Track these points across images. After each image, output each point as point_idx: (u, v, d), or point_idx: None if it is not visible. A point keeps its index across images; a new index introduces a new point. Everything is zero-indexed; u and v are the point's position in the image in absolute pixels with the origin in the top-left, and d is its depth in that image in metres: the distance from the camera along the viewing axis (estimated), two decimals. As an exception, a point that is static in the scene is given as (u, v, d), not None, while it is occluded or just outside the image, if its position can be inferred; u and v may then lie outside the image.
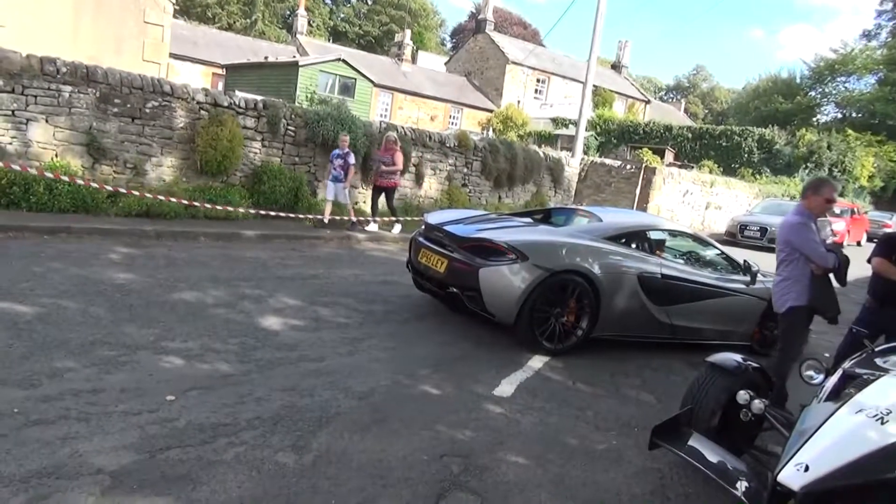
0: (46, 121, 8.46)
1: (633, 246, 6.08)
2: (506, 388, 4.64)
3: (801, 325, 4.80)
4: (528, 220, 6.79)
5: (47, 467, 2.80)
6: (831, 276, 4.68)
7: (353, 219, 10.86)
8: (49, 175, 7.84)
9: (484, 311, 5.46)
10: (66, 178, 7.91)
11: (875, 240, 7.40)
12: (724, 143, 30.11)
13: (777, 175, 27.61)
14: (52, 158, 8.47)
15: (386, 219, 11.41)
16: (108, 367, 3.92)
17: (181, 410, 3.50)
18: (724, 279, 6.47)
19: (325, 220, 10.54)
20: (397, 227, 11.31)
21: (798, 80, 48.26)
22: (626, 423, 4.35)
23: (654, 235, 6.42)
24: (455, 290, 5.57)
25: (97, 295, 5.31)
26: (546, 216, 7.26)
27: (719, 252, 6.86)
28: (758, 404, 3.48)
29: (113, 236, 7.66)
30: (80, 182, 8.07)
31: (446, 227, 5.95)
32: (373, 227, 11.15)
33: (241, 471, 3.01)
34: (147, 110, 9.30)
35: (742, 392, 3.54)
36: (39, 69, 8.33)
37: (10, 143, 8.17)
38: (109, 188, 8.43)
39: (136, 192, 8.38)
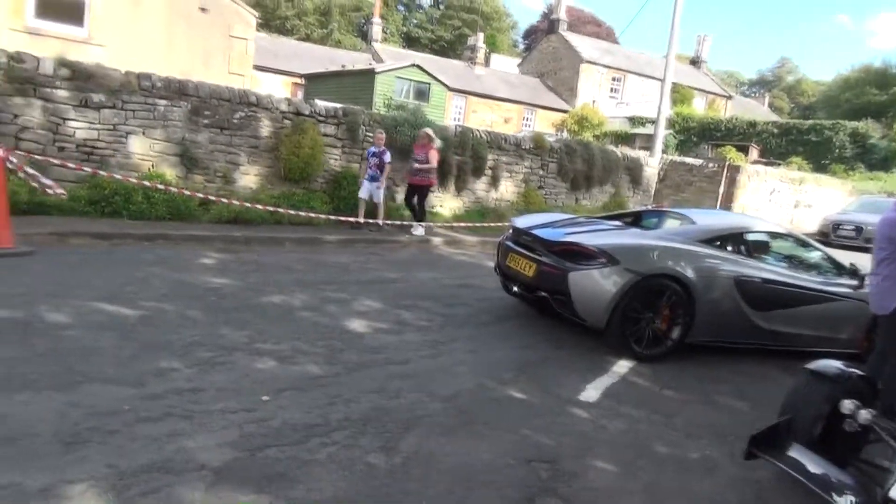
0: (144, 133, 8.96)
1: (729, 248, 5.90)
2: (591, 392, 4.58)
3: None
4: (618, 223, 6.69)
5: (156, 462, 2.96)
6: None
7: (381, 222, 10.27)
8: (147, 184, 8.29)
9: (574, 315, 5.42)
10: (161, 187, 8.35)
11: None
12: (813, 139, 28.73)
13: (872, 171, 26.08)
14: (149, 169, 8.98)
15: (406, 222, 10.77)
16: (207, 367, 4.11)
17: (276, 410, 3.63)
18: (828, 283, 6.16)
19: (361, 221, 10.11)
20: (420, 230, 10.67)
21: (893, 70, 45.43)
22: (719, 431, 4.21)
23: (751, 237, 6.19)
24: (544, 294, 5.55)
25: (194, 298, 5.58)
26: (636, 219, 7.14)
27: (823, 254, 6.56)
28: (865, 414, 3.29)
29: (206, 242, 8.03)
30: (174, 191, 8.51)
31: (535, 231, 5.94)
32: (419, 230, 10.64)
33: (333, 470, 3.09)
34: (235, 121, 9.70)
35: (847, 401, 3.35)
36: (137, 85, 8.84)
37: (113, 156, 8.71)
38: (201, 196, 8.85)
39: (225, 200, 8.76)
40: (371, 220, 10.17)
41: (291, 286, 6.46)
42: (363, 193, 10.25)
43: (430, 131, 10.80)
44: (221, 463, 3.02)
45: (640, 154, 17.52)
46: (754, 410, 4.67)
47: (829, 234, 17.98)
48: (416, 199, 10.84)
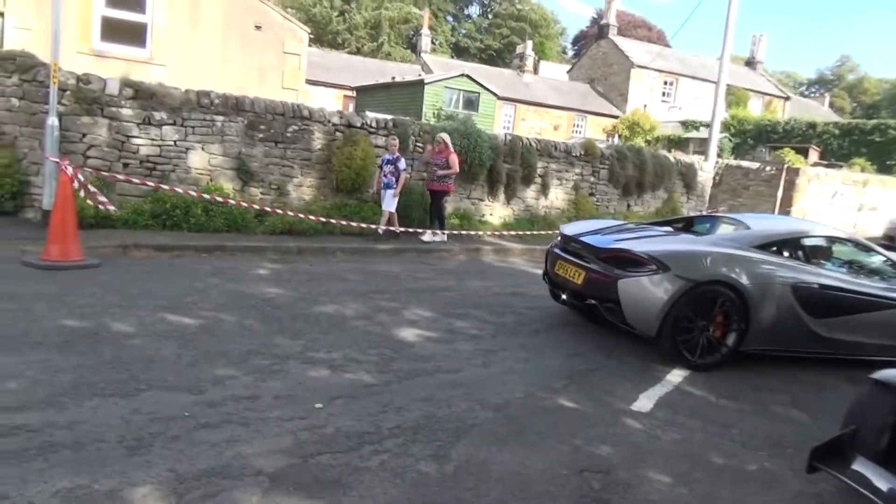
0: (202, 148, 9.28)
1: (786, 254, 5.77)
2: (644, 402, 4.51)
3: None
4: (668, 229, 6.61)
5: (215, 467, 3.05)
6: None
7: (381, 228, 9.78)
8: (206, 197, 8.58)
9: (624, 323, 5.34)
10: (220, 200, 8.62)
11: None
12: (877, 139, 27.59)
13: (943, 171, 24.88)
14: (207, 182, 9.28)
15: (437, 232, 10.54)
16: (263, 375, 4.22)
17: (329, 418, 3.70)
18: (891, 289, 5.92)
19: (381, 231, 9.79)
20: (439, 236, 10.48)
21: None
22: (777, 442, 4.09)
23: (809, 242, 6.04)
24: (594, 301, 5.50)
25: (250, 308, 5.74)
26: (688, 224, 7.05)
27: (886, 259, 6.32)
28: (934, 427, 3.15)
29: (260, 253, 8.25)
30: (231, 203, 8.77)
31: (583, 238, 5.90)
32: (439, 237, 10.48)
33: (385, 478, 3.13)
34: (288, 134, 9.95)
35: (915, 413, 3.22)
36: (196, 102, 9.16)
37: (174, 171, 9.04)
38: (256, 208, 9.10)
39: (280, 211, 8.98)
40: (392, 228, 9.98)
41: (343, 296, 6.58)
42: (384, 204, 9.95)
43: (446, 136, 10.59)
44: (276, 469, 3.10)
45: (693, 158, 17.17)
46: (813, 421, 4.52)
47: (896, 238, 17.25)
48: (431, 205, 10.68)
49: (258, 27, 14.20)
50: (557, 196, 13.49)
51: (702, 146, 20.81)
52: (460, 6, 63.71)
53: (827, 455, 3.18)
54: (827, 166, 22.52)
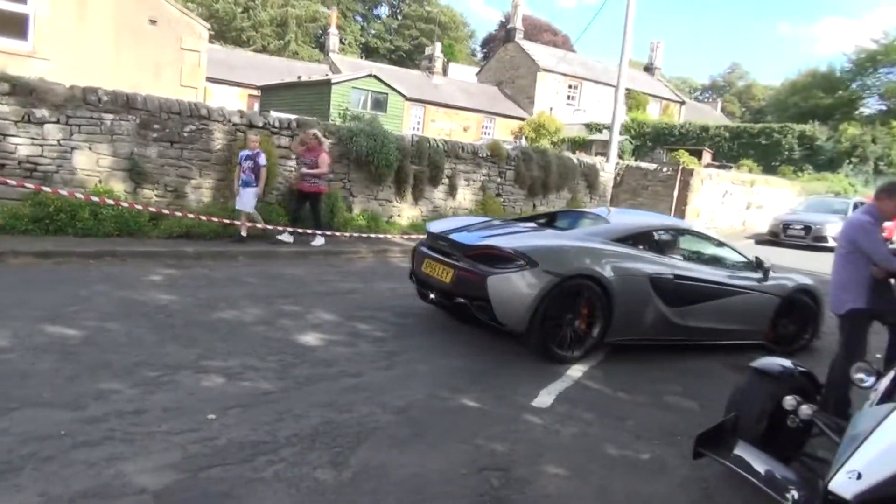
0: (90, 148, 8.73)
1: (643, 247, 5.93)
2: (545, 398, 4.59)
3: (862, 328, 4.53)
4: (533, 224, 6.63)
5: (93, 488, 2.85)
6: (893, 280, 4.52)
7: (243, 230, 9.22)
8: (94, 200, 8.07)
9: (494, 320, 5.27)
10: (110, 203, 8.14)
11: None
12: (763, 142, 29.51)
13: (820, 172, 26.88)
14: (96, 184, 8.74)
15: (310, 231, 9.91)
16: (151, 387, 4.00)
17: (222, 429, 3.54)
18: (736, 277, 6.30)
19: (243, 234, 9.22)
20: (319, 240, 9.93)
21: (838, 74, 46.97)
22: (669, 431, 4.26)
23: (661, 235, 6.28)
24: (463, 300, 5.41)
25: (140, 316, 5.43)
26: (551, 220, 7.05)
27: (731, 249, 6.70)
28: (805, 410, 3.37)
29: (155, 258, 7.85)
30: (122, 206, 8.30)
31: (451, 236, 5.81)
32: (286, 237, 9.84)
33: (280, 488, 3.03)
34: (185, 134, 9.52)
35: (789, 398, 3.43)
36: (83, 99, 8.61)
37: (57, 171, 8.45)
38: (151, 210, 8.65)
39: (179, 213, 8.58)
40: (258, 225, 9.43)
41: (243, 301, 6.35)
42: (239, 203, 9.25)
43: (318, 132, 9.97)
44: (162, 486, 2.93)
45: (596, 160, 17.75)
46: (702, 410, 4.74)
47: (780, 234, 18.46)
48: (307, 208, 9.99)
49: (153, 21, 13.54)
50: (465, 197, 13.61)
51: (604, 148, 21.57)
52: (369, 6, 63.33)
53: (711, 441, 3.34)
54: (718, 167, 23.85)
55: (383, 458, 3.43)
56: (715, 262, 6.52)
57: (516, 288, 5.12)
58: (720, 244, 6.77)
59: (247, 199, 9.19)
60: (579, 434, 4.06)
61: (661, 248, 6.10)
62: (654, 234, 6.20)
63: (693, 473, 3.66)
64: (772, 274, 6.46)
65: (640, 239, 6.00)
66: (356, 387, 4.40)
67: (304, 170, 9.78)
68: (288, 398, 4.07)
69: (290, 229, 9.86)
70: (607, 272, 5.36)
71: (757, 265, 6.48)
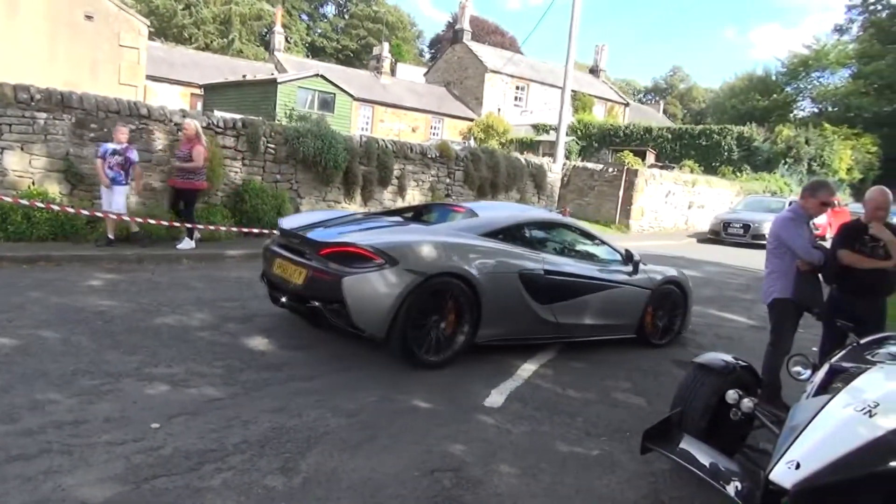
0: (22, 149, 8.37)
1: (512, 241, 5.60)
2: (496, 398, 4.62)
3: (787, 317, 4.88)
4: (398, 219, 6.28)
5: (30, 503, 2.73)
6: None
7: (110, 234, 8.38)
8: (25, 202, 7.74)
9: (350, 326, 4.79)
10: (42, 206, 7.81)
11: None
12: (703, 143, 30.37)
13: (757, 172, 27.86)
14: (29, 186, 8.38)
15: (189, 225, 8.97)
16: (91, 396, 3.85)
17: (167, 438, 3.44)
18: (606, 271, 6.15)
19: (110, 237, 8.36)
20: (188, 243, 8.92)
21: (773, 77, 48.88)
22: (618, 427, 4.33)
23: (531, 228, 5.98)
24: (317, 303, 4.90)
25: (78, 323, 5.23)
26: (417, 214, 6.69)
27: (601, 242, 6.54)
28: (747, 403, 3.47)
29: (93, 262, 7.57)
30: (56, 208, 7.98)
31: (303, 232, 5.31)
32: (187, 243, 8.90)
33: (228, 497, 2.96)
34: (124, 134, 9.20)
35: (731, 392, 3.53)
36: (13, 97, 8.25)
37: (-14, 173, 8.07)
38: (87, 213, 8.34)
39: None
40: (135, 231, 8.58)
41: (188, 305, 6.19)
42: (106, 204, 8.32)
43: (196, 124, 9.07)
44: (103, 499, 2.83)
45: (543, 160, 17.97)
46: (650, 405, 4.84)
47: (720, 233, 19.06)
48: (182, 206, 9.11)
49: (89, 17, 13.10)
50: (415, 197, 13.58)
51: (551, 148, 21.85)
52: (315, 5, 62.65)
53: (658, 436, 3.41)
54: (661, 168, 24.46)
55: (334, 463, 3.39)
56: (586, 255, 6.33)
57: (374, 289, 4.68)
58: (591, 237, 6.57)
59: (115, 199, 8.25)
60: (530, 432, 4.09)
61: (532, 242, 5.82)
62: (525, 228, 5.88)
63: (641, 468, 3.73)
64: (641, 267, 6.35)
65: (510, 233, 5.67)
66: (307, 390, 4.34)
67: (178, 164, 8.89)
68: (236, 404, 3.99)
69: (196, 234, 9.07)
70: (475, 269, 5.04)
71: (627, 258, 6.30)
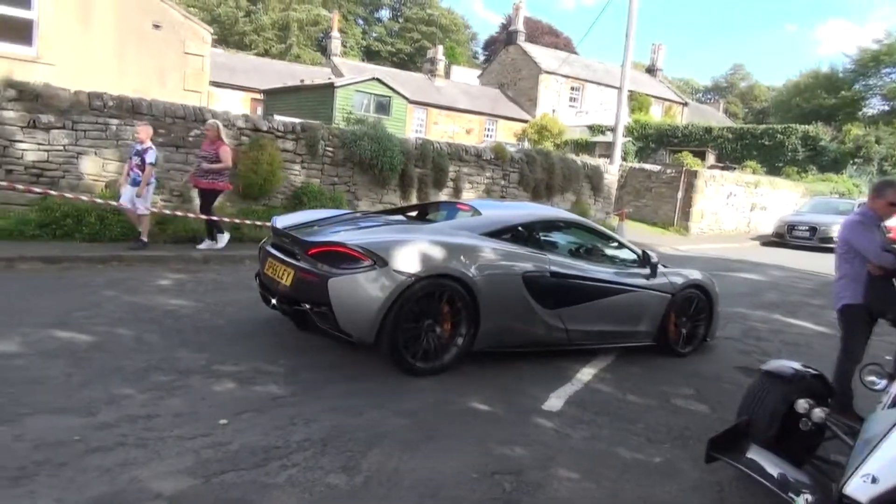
0: (96, 153, 8.78)
1: (518, 242, 5.31)
2: (554, 402, 4.59)
3: (859, 324, 4.67)
4: (400, 217, 6.08)
5: (108, 494, 2.86)
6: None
7: (144, 238, 8.30)
8: (99, 202, 8.09)
9: (338, 330, 4.57)
10: (116, 205, 8.15)
11: None
12: (766, 143, 29.45)
13: (824, 172, 26.86)
14: (102, 189, 8.77)
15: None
16: (163, 392, 4.01)
17: (234, 434, 3.55)
18: (622, 274, 5.78)
19: (144, 239, 8.30)
20: (209, 242, 8.91)
21: (840, 74, 46.96)
22: (680, 434, 4.25)
23: (542, 228, 5.72)
24: (304, 305, 4.69)
25: (149, 321, 5.45)
26: (422, 213, 6.49)
27: (618, 244, 6.22)
28: (818, 413, 3.36)
29: (162, 262, 7.87)
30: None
31: (294, 232, 5.10)
32: (211, 243, 8.88)
33: (293, 493, 3.03)
34: (190, 139, 9.56)
35: (801, 401, 3.42)
36: (88, 104, 8.66)
37: (63, 177, 8.50)
38: (166, 212, 8.67)
39: (182, 213, 8.59)
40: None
41: (252, 305, 6.35)
42: (125, 200, 8.10)
43: (219, 123, 8.91)
44: (176, 491, 2.93)
45: (599, 162, 17.75)
46: (713, 413, 4.73)
47: (785, 236, 18.45)
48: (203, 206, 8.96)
49: (157, 26, 13.58)
50: (470, 200, 13.61)
51: (607, 150, 21.57)
52: (370, 10, 63.55)
53: (724, 445, 3.33)
54: (722, 168, 23.84)
55: (395, 463, 3.43)
56: (600, 257, 6.00)
57: (362, 291, 4.45)
58: (608, 238, 6.24)
59: (137, 199, 8.10)
60: (590, 437, 4.05)
61: (540, 243, 5.52)
62: (531, 227, 5.56)
63: (705, 477, 3.65)
64: (661, 269, 6.01)
65: (515, 233, 5.39)
66: (366, 391, 4.40)
67: (204, 164, 8.71)
68: (298, 402, 4.08)
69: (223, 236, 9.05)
70: (472, 271, 4.75)
71: (644, 260, 5.97)
